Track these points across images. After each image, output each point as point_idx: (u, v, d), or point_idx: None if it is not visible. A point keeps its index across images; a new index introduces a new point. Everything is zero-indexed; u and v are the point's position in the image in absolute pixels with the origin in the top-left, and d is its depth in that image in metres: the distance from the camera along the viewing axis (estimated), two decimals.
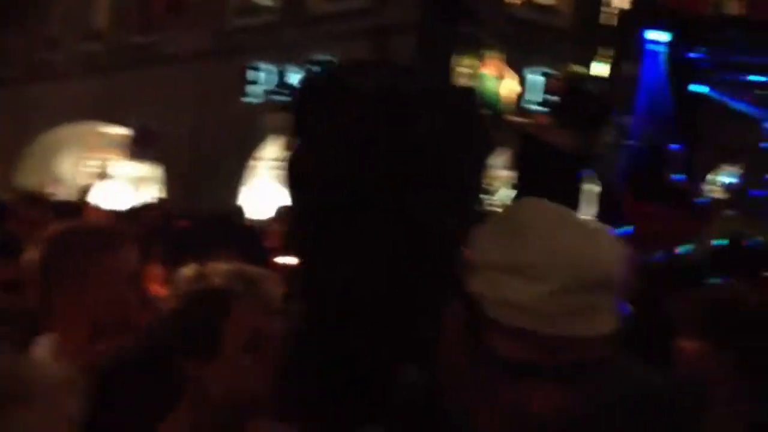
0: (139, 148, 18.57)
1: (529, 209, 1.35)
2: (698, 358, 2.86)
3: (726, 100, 10.52)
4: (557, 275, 1.27)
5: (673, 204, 9.21)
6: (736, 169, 10.62)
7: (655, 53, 9.96)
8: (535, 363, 1.30)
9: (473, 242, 1.36)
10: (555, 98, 10.32)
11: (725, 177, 10.43)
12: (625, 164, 9.75)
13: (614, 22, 15.40)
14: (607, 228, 1.36)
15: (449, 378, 1.41)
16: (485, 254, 1.33)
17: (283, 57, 15.04)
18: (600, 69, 10.73)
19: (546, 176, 9.25)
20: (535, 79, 13.96)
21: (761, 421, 2.66)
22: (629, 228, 8.58)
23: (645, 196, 9.18)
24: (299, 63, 14.26)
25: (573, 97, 10.00)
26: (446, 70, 10.97)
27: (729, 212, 9.59)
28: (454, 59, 10.94)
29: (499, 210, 1.43)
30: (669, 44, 9.87)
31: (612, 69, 10.43)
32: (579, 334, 1.28)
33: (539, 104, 14.08)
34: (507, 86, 12.71)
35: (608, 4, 15.60)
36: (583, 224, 1.34)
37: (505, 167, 13.03)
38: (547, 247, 1.29)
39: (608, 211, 9.05)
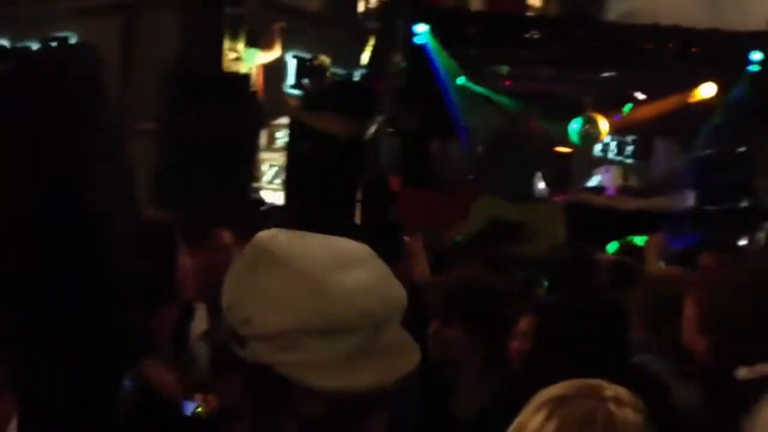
0: None
1: (294, 254, 1.33)
2: (448, 341, 3.08)
3: (481, 90, 11.17)
4: (361, 326, 1.30)
5: (441, 190, 9.68)
6: (496, 156, 11.30)
7: (419, 45, 10.40)
8: (355, 411, 1.33)
9: (244, 308, 1.32)
10: (315, 85, 10.53)
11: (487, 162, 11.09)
12: (394, 152, 10.16)
13: (370, 5, 15.88)
14: (369, 250, 1.38)
15: None
16: (275, 321, 1.30)
17: (21, 33, 14.32)
18: (367, 58, 11.06)
19: (317, 162, 9.49)
20: (291, 62, 14.16)
21: (497, 403, 2.83)
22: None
23: (414, 182, 9.61)
24: (40, 40, 13.63)
25: (340, 86, 10.25)
26: (213, 51, 10.91)
27: (490, 196, 10.19)
28: (222, 40, 10.88)
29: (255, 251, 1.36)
30: (430, 37, 10.35)
31: (377, 59, 10.80)
32: (398, 374, 1.34)
33: (293, 87, 14.31)
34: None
35: None
36: (355, 257, 1.35)
37: (270, 149, 13.18)
38: (343, 301, 1.29)
39: (377, 198, 9.39)
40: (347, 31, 14.30)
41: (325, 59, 10.06)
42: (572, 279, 4.91)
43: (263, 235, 1.37)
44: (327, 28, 14.58)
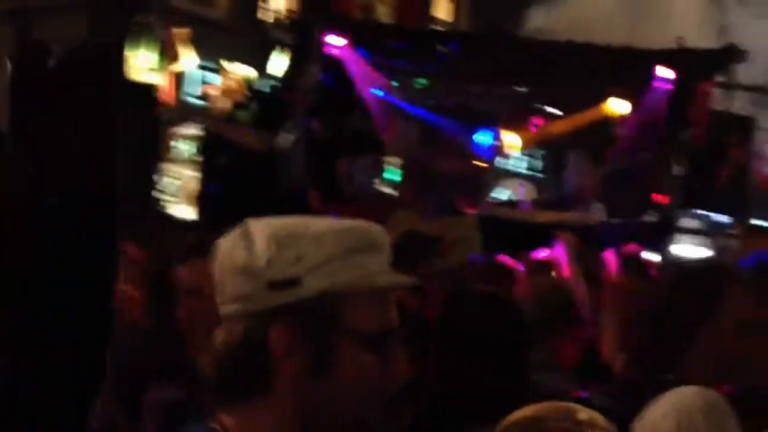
0: None
1: (285, 220, 1.58)
2: None
3: (395, 102, 11.28)
4: (383, 243, 1.58)
5: (359, 205, 9.72)
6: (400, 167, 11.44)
7: (335, 57, 10.43)
8: (393, 327, 1.56)
9: (292, 250, 1.52)
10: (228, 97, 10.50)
11: (394, 175, 11.22)
12: (311, 167, 10.16)
13: (270, 17, 15.89)
14: None
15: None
16: (325, 249, 1.52)
17: None
18: (278, 69, 11.08)
19: (232, 175, 9.45)
20: (193, 71, 14.07)
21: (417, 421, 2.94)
22: None
23: (333, 198, 9.63)
24: None
25: (256, 99, 10.23)
26: (114, 58, 10.76)
27: (405, 210, 10.31)
28: (127, 47, 10.74)
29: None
30: (345, 48, 10.41)
31: (290, 70, 10.82)
32: (412, 283, 1.67)
33: (197, 98, 14.22)
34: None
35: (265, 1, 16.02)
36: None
37: (169, 160, 13.05)
38: (364, 225, 1.58)
39: (296, 211, 9.39)
40: (252, 40, 14.33)
41: (249, 72, 10.04)
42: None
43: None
44: (231, 37, 14.58)
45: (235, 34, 14.66)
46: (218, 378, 1.55)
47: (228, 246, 1.57)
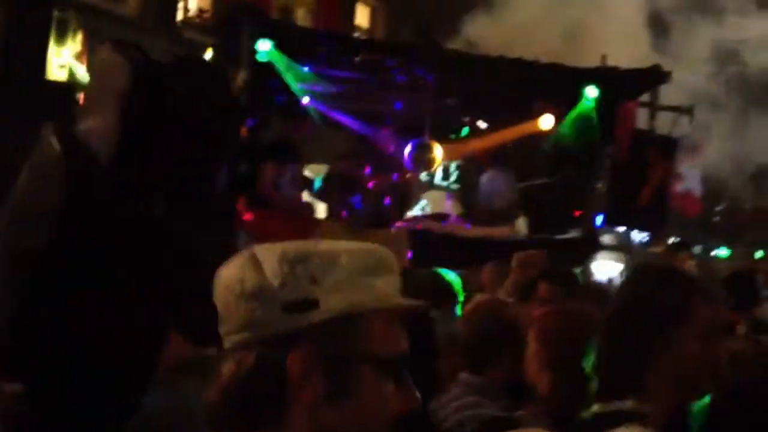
0: None
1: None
2: None
3: (322, 110, 11.24)
4: (393, 265, 1.55)
5: (282, 213, 9.65)
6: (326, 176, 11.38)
7: (261, 62, 10.33)
8: (406, 352, 1.52)
9: (306, 271, 1.49)
10: None
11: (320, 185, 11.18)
12: (232, 170, 10.03)
13: (185, 16, 15.70)
14: None
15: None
16: (341, 267, 1.49)
17: None
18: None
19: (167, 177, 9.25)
20: None
21: None
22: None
23: (256, 203, 9.54)
24: None
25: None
26: (36, 57, 10.51)
27: (332, 222, 10.30)
28: (47, 45, 10.48)
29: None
30: (275, 54, 10.31)
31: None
32: (427, 306, 1.67)
33: None
34: None
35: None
36: None
37: None
38: (374, 246, 1.57)
39: (223, 218, 9.26)
40: (165, 39, 14.10)
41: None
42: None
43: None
44: (144, 35, 14.32)
45: (147, 33, 14.42)
46: (226, 411, 1.48)
47: (233, 272, 1.51)
